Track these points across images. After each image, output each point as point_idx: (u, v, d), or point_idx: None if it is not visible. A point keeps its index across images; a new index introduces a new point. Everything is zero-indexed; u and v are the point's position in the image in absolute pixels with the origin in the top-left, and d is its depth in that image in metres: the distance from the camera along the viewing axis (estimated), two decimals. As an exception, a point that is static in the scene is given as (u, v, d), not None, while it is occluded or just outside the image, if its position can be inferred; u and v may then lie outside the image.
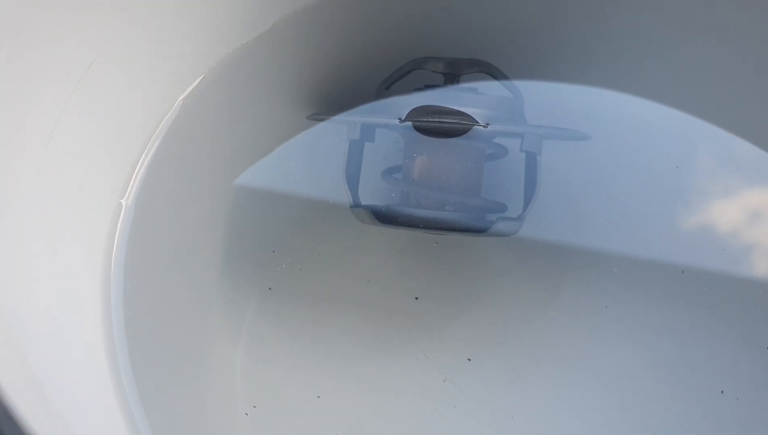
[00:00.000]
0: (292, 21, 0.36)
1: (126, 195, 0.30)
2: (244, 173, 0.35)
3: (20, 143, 0.23)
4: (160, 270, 0.31)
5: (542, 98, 0.37)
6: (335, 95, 0.37)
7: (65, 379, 0.22)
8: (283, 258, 0.35)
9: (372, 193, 0.36)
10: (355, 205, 0.33)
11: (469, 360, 0.32)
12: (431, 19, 0.38)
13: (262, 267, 0.34)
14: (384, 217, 0.33)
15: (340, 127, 0.35)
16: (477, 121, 0.32)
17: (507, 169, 0.36)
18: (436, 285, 0.34)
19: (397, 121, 0.32)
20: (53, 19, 0.25)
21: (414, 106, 0.33)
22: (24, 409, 0.15)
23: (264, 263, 0.34)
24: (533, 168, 0.33)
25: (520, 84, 0.37)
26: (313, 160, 0.37)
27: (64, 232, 0.26)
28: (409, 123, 0.32)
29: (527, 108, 0.35)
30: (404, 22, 0.38)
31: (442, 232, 0.32)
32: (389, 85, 0.36)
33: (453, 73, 0.36)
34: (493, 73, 0.36)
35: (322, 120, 0.34)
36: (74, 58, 0.26)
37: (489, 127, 0.31)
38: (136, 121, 0.30)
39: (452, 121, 0.31)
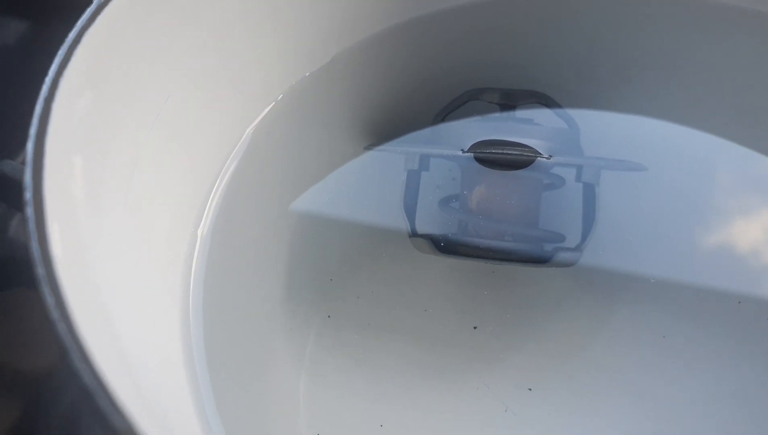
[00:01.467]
0: (350, 54, 0.37)
1: (201, 226, 0.30)
2: (305, 202, 0.36)
3: (106, 181, 0.24)
4: (231, 298, 0.32)
5: (596, 127, 0.38)
6: (391, 125, 0.38)
7: (152, 399, 0.23)
8: (341, 286, 0.35)
9: (429, 222, 0.36)
10: (414, 235, 0.34)
11: (530, 390, 0.32)
12: (487, 51, 0.38)
13: (321, 295, 0.35)
14: (443, 247, 0.33)
15: (396, 157, 0.36)
16: (540, 153, 0.32)
17: (563, 198, 0.36)
18: (493, 314, 0.34)
19: (460, 152, 0.33)
20: (134, 58, 0.26)
21: (470, 136, 0.34)
22: (132, 409, 0.16)
23: (323, 291, 0.35)
24: (591, 199, 0.33)
25: (574, 112, 0.37)
26: (370, 189, 0.37)
27: (145, 264, 0.26)
28: (471, 154, 0.33)
29: (582, 137, 0.36)
30: (459, 53, 0.39)
31: (501, 262, 0.33)
32: (445, 115, 0.37)
33: (509, 103, 0.36)
34: (549, 104, 0.36)
35: (381, 150, 0.35)
36: (153, 94, 0.27)
37: (551, 159, 0.32)
38: (209, 153, 0.31)
39: (516, 152, 0.32)
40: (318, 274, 0.35)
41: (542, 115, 0.37)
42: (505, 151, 0.32)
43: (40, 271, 0.17)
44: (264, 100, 0.35)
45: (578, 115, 0.37)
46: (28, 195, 0.18)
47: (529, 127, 0.34)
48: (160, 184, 0.28)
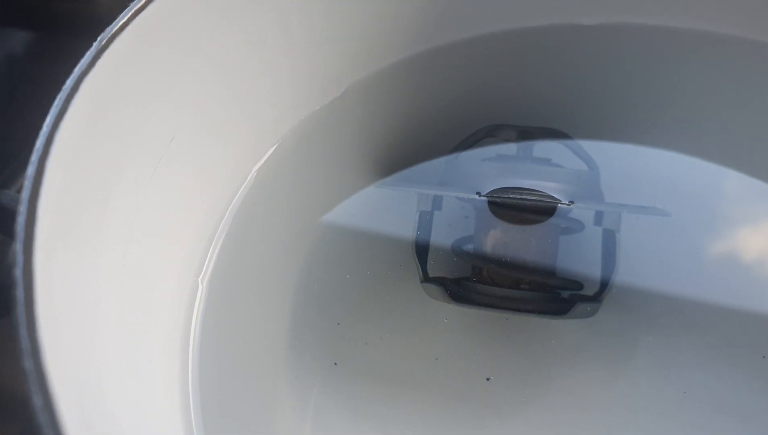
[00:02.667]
0: (362, 87, 0.36)
1: (203, 273, 0.29)
2: (312, 243, 0.34)
3: (106, 227, 0.23)
4: (233, 344, 0.31)
5: (616, 165, 0.36)
6: (404, 160, 0.36)
7: None
8: (349, 331, 0.34)
9: (442, 266, 0.35)
10: (426, 280, 0.32)
11: (545, 448, 0.30)
12: (502, 84, 0.37)
13: (327, 340, 0.33)
14: (455, 295, 0.32)
15: (408, 196, 0.35)
16: (559, 200, 0.31)
17: (582, 242, 0.35)
18: (507, 365, 0.33)
19: (476, 196, 0.31)
20: (136, 102, 0.24)
21: (485, 176, 0.33)
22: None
23: (329, 336, 0.33)
24: (612, 246, 0.32)
25: (592, 147, 0.36)
26: (380, 229, 0.36)
27: (144, 313, 0.25)
28: (487, 199, 0.31)
29: (603, 179, 0.34)
30: (474, 86, 0.37)
31: (517, 313, 0.31)
32: (460, 152, 0.35)
33: (526, 142, 0.35)
34: (568, 143, 0.35)
35: (393, 189, 0.33)
36: (156, 137, 0.26)
37: (573, 206, 0.30)
38: (213, 195, 0.29)
39: (534, 198, 0.30)
40: (324, 318, 0.34)
41: (561, 155, 0.35)
42: (523, 197, 0.30)
43: (27, 364, 0.15)
44: (271, 137, 0.33)
45: (597, 150, 0.36)
46: (18, 272, 0.17)
47: (547, 169, 0.33)
48: (160, 231, 0.26)
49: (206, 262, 0.29)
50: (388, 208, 0.36)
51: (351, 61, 0.34)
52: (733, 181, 0.36)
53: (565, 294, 0.32)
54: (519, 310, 0.31)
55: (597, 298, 0.31)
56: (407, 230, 0.34)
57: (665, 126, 0.38)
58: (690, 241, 0.34)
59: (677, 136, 0.37)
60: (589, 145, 0.37)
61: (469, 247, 0.34)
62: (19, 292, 0.17)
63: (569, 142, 0.35)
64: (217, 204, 0.32)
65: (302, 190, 0.35)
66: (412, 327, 0.34)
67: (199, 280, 0.29)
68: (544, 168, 0.33)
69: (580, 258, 0.35)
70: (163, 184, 0.26)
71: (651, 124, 0.38)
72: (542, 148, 0.35)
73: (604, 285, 0.32)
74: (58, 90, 0.21)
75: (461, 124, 0.36)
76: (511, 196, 0.31)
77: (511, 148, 0.35)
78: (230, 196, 0.31)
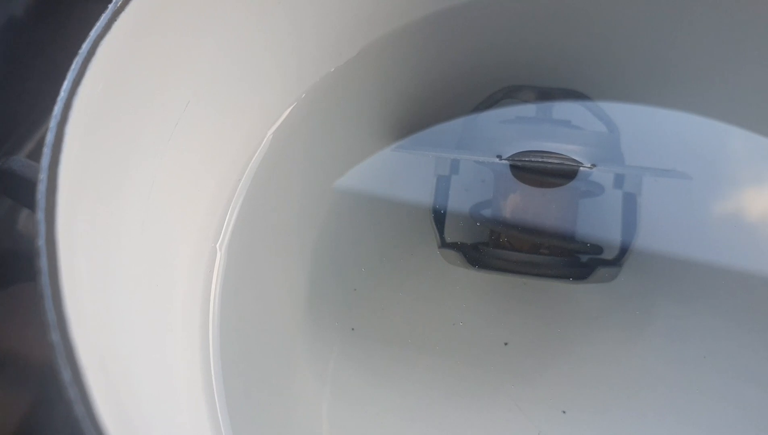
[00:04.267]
0: (377, 48, 0.35)
1: (220, 240, 0.29)
2: (328, 207, 0.34)
3: (125, 194, 0.22)
4: (251, 312, 0.30)
5: (635, 126, 0.36)
6: (421, 122, 0.36)
7: (165, 414, 0.22)
8: (366, 297, 0.33)
9: (459, 230, 0.34)
10: (443, 245, 0.32)
11: (564, 412, 0.30)
12: (521, 44, 0.36)
13: (345, 306, 0.33)
14: (474, 260, 0.32)
15: (426, 160, 0.34)
16: (581, 163, 0.30)
17: (602, 206, 0.34)
18: (525, 330, 0.32)
19: (496, 160, 0.30)
20: (152, 67, 0.23)
21: (505, 138, 0.32)
22: None
23: (347, 302, 0.33)
24: (633, 209, 0.32)
25: (612, 108, 0.35)
26: (398, 193, 0.35)
27: (164, 280, 0.25)
28: (507, 162, 0.31)
29: (623, 140, 0.34)
30: (492, 47, 0.36)
31: (537, 278, 0.31)
32: (478, 113, 0.34)
33: (546, 103, 0.34)
34: (588, 104, 0.34)
35: (411, 152, 0.33)
36: (172, 101, 0.25)
37: (593, 169, 0.30)
38: (229, 160, 0.29)
39: (556, 161, 0.30)
40: (342, 284, 0.34)
41: (580, 116, 0.34)
42: (545, 160, 0.30)
43: (53, 336, 0.15)
44: (286, 100, 0.33)
45: (617, 111, 0.35)
46: (41, 242, 0.16)
47: (567, 131, 0.32)
48: (178, 197, 0.26)
49: (224, 228, 0.29)
50: (405, 172, 0.35)
51: (365, 21, 0.34)
52: (756, 142, 0.36)
53: (585, 258, 0.32)
54: (538, 275, 0.31)
55: (617, 262, 0.31)
56: (425, 195, 0.34)
57: (687, 86, 0.37)
58: (711, 204, 0.34)
59: (699, 98, 0.37)
60: (609, 107, 0.36)
61: (488, 211, 0.34)
62: (43, 263, 0.16)
63: (589, 103, 0.34)
64: (233, 169, 0.31)
65: (318, 153, 0.34)
66: (429, 292, 0.34)
67: (217, 246, 0.29)
68: (564, 130, 0.32)
69: (600, 221, 0.35)
70: (180, 148, 0.26)
71: (673, 84, 0.37)
72: (562, 109, 0.34)
73: (625, 249, 0.31)
74: (65, 54, 0.20)
75: (479, 85, 0.35)
76: (533, 159, 0.30)
77: (530, 109, 0.34)
78: (246, 160, 0.31)
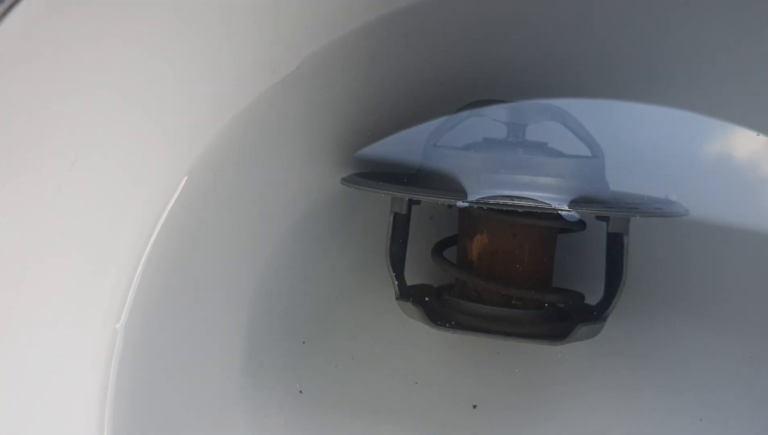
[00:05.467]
0: (321, 58, 0.29)
1: (122, 320, 0.24)
2: (270, 250, 0.29)
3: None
4: (173, 381, 0.26)
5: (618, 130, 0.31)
6: (375, 149, 0.31)
7: None
8: (315, 351, 0.29)
9: (423, 269, 0.30)
10: (402, 296, 0.28)
11: (540, 489, 0.27)
12: (491, 52, 0.31)
13: (290, 363, 0.29)
14: (437, 315, 0.27)
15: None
16: (557, 206, 0.25)
17: (582, 238, 0.30)
18: (496, 388, 0.28)
19: (460, 202, 0.26)
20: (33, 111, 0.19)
21: (471, 169, 0.27)
22: None
23: (293, 358, 0.29)
24: (619, 251, 0.27)
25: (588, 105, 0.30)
26: (349, 228, 0.31)
27: (64, 358, 0.21)
28: (475, 199, 0.26)
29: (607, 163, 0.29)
30: (457, 54, 0.31)
31: (508, 339, 0.27)
32: (441, 135, 0.30)
33: (518, 123, 0.29)
34: (567, 122, 0.29)
35: (362, 188, 0.28)
36: (55, 156, 0.20)
37: (574, 211, 0.25)
38: (144, 199, 0.24)
39: (529, 204, 0.25)
40: (287, 336, 0.30)
41: (559, 135, 0.30)
42: (515, 203, 0.25)
43: None
44: (211, 127, 0.28)
45: (602, 109, 0.31)
46: None
47: (543, 161, 0.27)
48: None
49: (129, 298, 0.24)
50: (358, 205, 0.31)
51: (305, 31, 0.28)
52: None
53: (563, 306, 0.27)
54: (510, 335, 0.26)
55: (601, 315, 0.27)
56: (380, 231, 0.29)
57: (674, 82, 0.32)
58: (705, 240, 0.29)
59: (688, 94, 0.32)
60: (590, 105, 0.32)
61: (453, 250, 0.29)
62: None
63: (569, 120, 0.29)
64: (150, 209, 0.27)
65: (255, 182, 0.29)
66: (387, 345, 0.30)
67: (118, 326, 0.24)
68: (538, 159, 0.27)
69: (581, 262, 0.30)
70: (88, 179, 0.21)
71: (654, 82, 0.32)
72: (537, 129, 0.30)
73: (609, 300, 0.27)
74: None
75: (442, 102, 0.31)
76: (502, 201, 0.25)
77: (500, 128, 0.30)
78: (163, 201, 0.26)
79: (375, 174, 0.30)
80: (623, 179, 0.30)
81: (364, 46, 0.30)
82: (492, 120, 0.30)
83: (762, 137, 0.31)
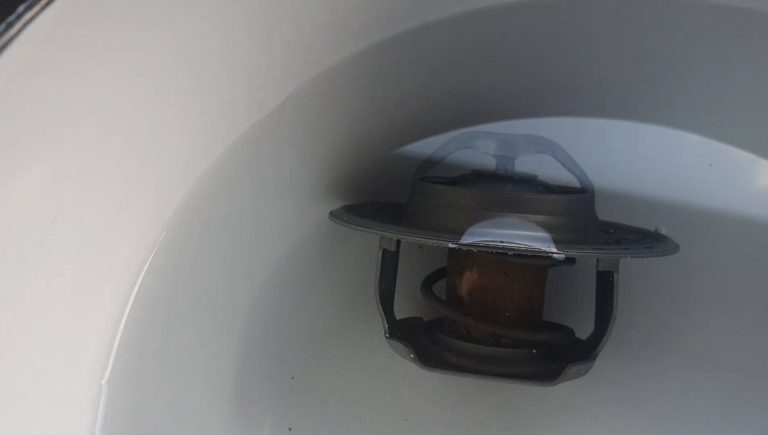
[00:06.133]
0: (307, 91, 0.29)
1: (106, 375, 0.24)
2: (257, 285, 0.29)
3: None
4: (160, 411, 0.26)
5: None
6: (363, 182, 0.31)
7: None
8: (305, 387, 0.29)
9: (414, 301, 0.30)
10: (392, 335, 0.27)
11: None
12: (476, 83, 0.31)
13: (280, 399, 0.29)
14: (427, 354, 0.27)
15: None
16: (547, 250, 0.25)
17: (572, 272, 0.30)
18: (488, 424, 0.28)
19: (449, 244, 0.25)
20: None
21: (459, 206, 0.27)
22: None
23: (282, 395, 0.29)
24: (609, 289, 0.27)
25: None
26: (337, 263, 0.31)
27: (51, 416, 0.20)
28: (463, 243, 0.26)
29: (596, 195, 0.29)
30: (446, 85, 0.31)
31: (498, 380, 0.26)
32: (429, 168, 0.29)
33: (508, 155, 0.29)
34: (557, 154, 0.29)
35: (349, 226, 0.27)
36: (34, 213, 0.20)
37: (564, 254, 0.25)
38: (128, 244, 0.24)
39: (518, 246, 0.25)
40: (277, 372, 0.29)
41: (549, 167, 0.29)
42: (505, 246, 0.25)
43: None
44: (201, 160, 0.27)
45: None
46: None
47: (533, 198, 0.27)
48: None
49: (116, 342, 0.24)
50: (347, 237, 0.30)
51: (291, 66, 0.28)
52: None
53: (555, 356, 0.27)
54: (502, 376, 0.26)
55: (591, 354, 0.26)
56: (370, 262, 0.29)
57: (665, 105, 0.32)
58: (695, 275, 0.29)
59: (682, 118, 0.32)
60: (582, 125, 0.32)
61: (442, 287, 0.29)
62: None
63: (559, 152, 0.29)
64: (137, 254, 0.26)
65: (241, 222, 0.29)
66: (377, 381, 0.29)
67: (103, 382, 0.23)
68: (528, 196, 0.27)
69: (571, 292, 0.30)
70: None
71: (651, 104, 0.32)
72: (526, 161, 0.29)
73: (600, 336, 0.27)
74: None
75: (429, 133, 0.30)
76: (492, 243, 0.25)
77: (490, 160, 0.29)
78: (150, 243, 0.25)
79: (365, 205, 0.30)
80: (613, 207, 0.30)
81: (349, 77, 0.29)
82: (481, 151, 0.29)
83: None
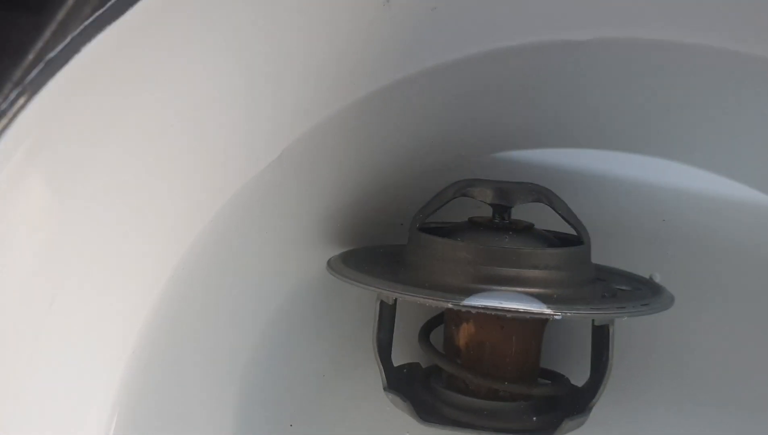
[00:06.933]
0: (303, 144, 0.29)
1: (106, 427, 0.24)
2: (255, 336, 0.29)
3: None
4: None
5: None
6: (361, 231, 0.31)
7: None
8: (303, 434, 0.30)
9: (413, 347, 0.30)
10: (390, 387, 0.28)
11: None
12: (472, 132, 0.31)
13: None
14: (424, 408, 0.27)
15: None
16: (544, 311, 0.25)
17: (568, 327, 0.30)
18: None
19: (448, 304, 0.25)
20: None
21: (455, 260, 0.27)
22: None
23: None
24: (604, 341, 0.27)
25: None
26: (336, 310, 0.31)
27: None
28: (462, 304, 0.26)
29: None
30: (441, 132, 0.31)
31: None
32: (426, 217, 0.29)
33: (504, 204, 0.29)
34: (553, 203, 0.29)
35: (345, 280, 0.27)
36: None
37: (561, 315, 0.25)
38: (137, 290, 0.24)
39: (517, 309, 0.25)
40: (275, 419, 0.30)
41: (545, 215, 0.29)
42: (503, 309, 0.25)
43: None
44: (198, 218, 0.27)
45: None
46: None
47: (530, 253, 0.27)
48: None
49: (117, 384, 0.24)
50: (344, 289, 0.30)
51: (287, 120, 0.28)
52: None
53: (551, 408, 0.28)
54: (498, 431, 0.27)
55: (586, 406, 0.27)
56: (367, 308, 0.29)
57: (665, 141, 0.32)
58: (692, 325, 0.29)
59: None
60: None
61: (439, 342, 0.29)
62: None
63: (555, 201, 0.29)
64: (136, 313, 0.26)
65: (239, 275, 0.29)
66: (375, 430, 0.30)
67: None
68: (525, 251, 0.27)
69: (567, 338, 0.30)
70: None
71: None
72: (523, 209, 0.29)
73: (595, 387, 0.27)
74: None
75: (427, 182, 0.30)
76: (490, 306, 0.25)
77: (485, 210, 0.29)
78: (150, 301, 0.26)
79: (364, 251, 0.30)
80: (607, 251, 0.31)
81: (343, 129, 0.29)
82: (478, 200, 0.29)
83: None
